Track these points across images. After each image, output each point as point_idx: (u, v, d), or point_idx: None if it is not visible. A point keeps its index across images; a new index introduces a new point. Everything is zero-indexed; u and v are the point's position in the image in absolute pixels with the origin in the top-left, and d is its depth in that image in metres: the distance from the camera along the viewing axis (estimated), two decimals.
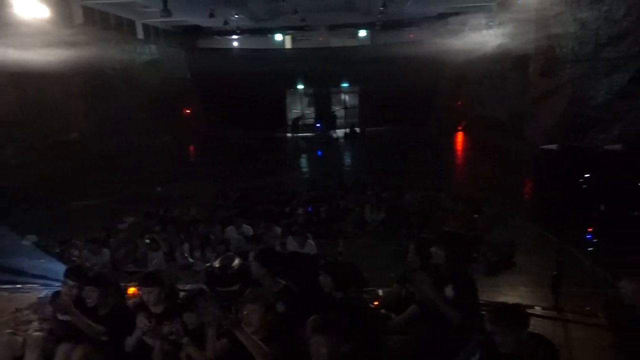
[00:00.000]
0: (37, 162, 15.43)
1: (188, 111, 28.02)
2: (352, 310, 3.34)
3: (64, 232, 8.55)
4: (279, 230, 8.90)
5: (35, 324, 3.95)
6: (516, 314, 2.79)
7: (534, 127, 14.32)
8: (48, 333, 3.69)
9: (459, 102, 26.03)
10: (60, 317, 3.67)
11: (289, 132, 27.69)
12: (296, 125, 27.83)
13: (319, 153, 21.98)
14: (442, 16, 24.38)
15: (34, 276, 5.36)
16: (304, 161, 20.68)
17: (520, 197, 12.08)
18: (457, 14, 23.13)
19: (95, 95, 19.27)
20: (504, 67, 18.62)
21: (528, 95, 15.31)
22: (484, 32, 20.26)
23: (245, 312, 3.05)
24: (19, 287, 5.29)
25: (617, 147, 4.58)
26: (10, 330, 3.84)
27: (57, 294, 3.77)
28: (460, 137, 24.36)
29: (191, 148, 25.00)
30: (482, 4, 20.78)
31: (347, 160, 21.24)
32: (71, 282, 3.60)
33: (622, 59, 9.95)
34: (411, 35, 27.61)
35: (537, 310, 4.33)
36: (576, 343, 3.84)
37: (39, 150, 15.75)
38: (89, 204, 12.45)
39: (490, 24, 19.77)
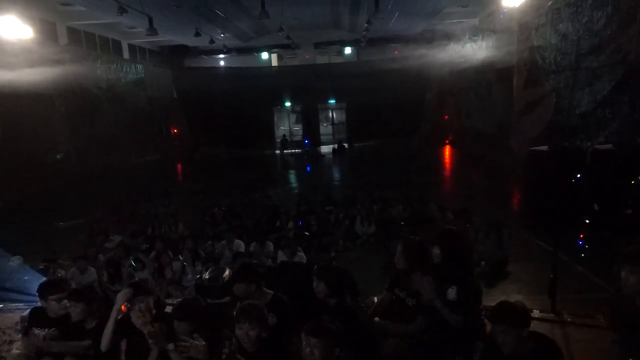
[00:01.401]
0: (21, 183, 15.19)
1: (175, 130, 27.91)
2: (348, 316, 3.25)
3: (50, 252, 8.33)
4: (271, 245, 8.78)
5: (18, 344, 3.78)
6: (517, 311, 2.73)
7: (520, 138, 14.50)
8: (30, 351, 3.54)
9: (446, 116, 26.36)
10: (38, 332, 3.52)
11: (277, 149, 27.67)
12: (284, 142, 27.83)
13: (308, 169, 21.95)
14: (426, 32, 24.88)
15: (18, 294, 5.18)
16: (292, 177, 20.62)
17: (509, 206, 12.19)
18: (440, 30, 23.64)
19: (81, 114, 19.11)
20: (489, 79, 18.93)
21: (513, 107, 15.53)
22: (468, 46, 20.66)
23: (240, 331, 2.92)
24: (1, 307, 5.11)
25: (607, 146, 4.58)
26: None
27: (37, 309, 3.62)
28: (447, 150, 24.55)
29: (178, 167, 24.79)
30: (464, 20, 21.21)
31: (336, 175, 21.22)
32: (53, 297, 3.46)
33: (603, 68, 10.14)
34: (396, 52, 28.00)
35: (536, 313, 4.27)
36: (576, 344, 3.78)
37: (24, 171, 15.49)
38: (75, 224, 12.22)
39: (474, 38, 20.15)
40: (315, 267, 3.63)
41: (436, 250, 3.48)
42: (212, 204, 12.27)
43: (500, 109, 17.68)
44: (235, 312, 2.95)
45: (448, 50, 22.43)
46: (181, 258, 8.47)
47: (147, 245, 9.46)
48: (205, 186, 16.80)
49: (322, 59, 29.81)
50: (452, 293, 3.38)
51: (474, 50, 19.84)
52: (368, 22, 21.79)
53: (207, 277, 4.20)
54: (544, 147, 4.39)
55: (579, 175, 4.13)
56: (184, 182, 20.91)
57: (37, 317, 3.63)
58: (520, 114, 14.62)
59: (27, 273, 6.52)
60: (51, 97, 17.33)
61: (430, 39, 24.41)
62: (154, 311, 3.21)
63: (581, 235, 6.08)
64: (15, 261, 7.45)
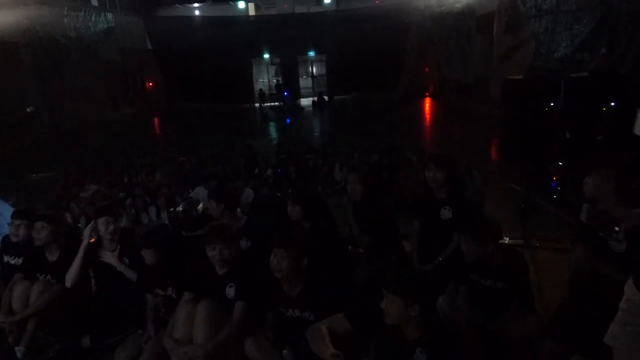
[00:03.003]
0: None
1: (150, 83, 27.11)
2: (322, 238, 3.28)
3: (24, 202, 8.17)
4: (251, 192, 8.76)
5: None
6: (486, 225, 2.80)
7: (499, 85, 14.49)
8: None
9: (426, 68, 26.10)
10: (7, 259, 3.49)
11: (257, 102, 27.23)
12: (263, 95, 27.39)
13: (287, 121, 21.72)
14: None
15: None
16: (272, 129, 20.41)
17: (487, 154, 12.34)
18: None
19: (49, 66, 18.32)
20: (469, 27, 18.66)
21: (494, 54, 15.41)
22: None
23: (211, 251, 2.91)
24: None
25: (582, 74, 4.59)
26: None
27: (7, 237, 3.57)
28: (428, 102, 24.49)
29: (155, 121, 24.27)
30: None
31: (316, 126, 21.08)
32: (18, 221, 3.40)
33: (583, 10, 10.06)
34: (377, 1, 27.32)
35: (505, 239, 4.38)
36: (543, 263, 3.91)
37: None
38: (49, 175, 11.97)
39: None
40: (290, 191, 3.62)
41: (437, 175, 3.44)
42: (190, 156, 12.13)
43: (480, 58, 17.56)
44: (205, 233, 2.93)
45: None
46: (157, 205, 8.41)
47: (124, 194, 9.36)
48: (183, 139, 16.54)
49: (301, 9, 28.95)
50: (446, 213, 3.43)
51: None
52: None
53: (180, 209, 4.17)
54: (519, 76, 4.37)
55: (552, 103, 4.14)
56: (161, 136, 20.53)
57: (6, 245, 3.58)
58: (500, 60, 14.54)
59: None
60: (17, 46, 16.53)
61: None
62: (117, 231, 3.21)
63: (554, 178, 6.21)
64: None
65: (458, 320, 2.77)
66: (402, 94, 25.13)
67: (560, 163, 5.04)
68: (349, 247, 4.06)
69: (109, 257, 3.34)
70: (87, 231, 3.32)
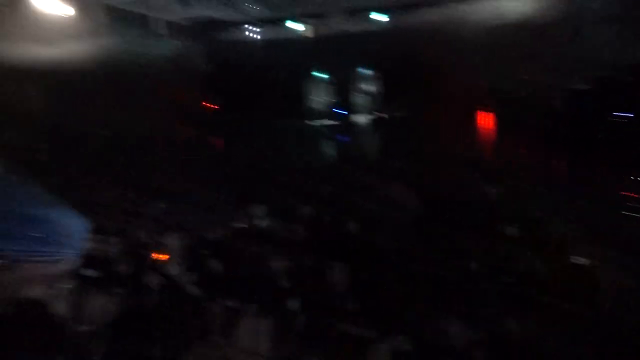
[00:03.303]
0: (65, 159, 15.83)
1: (210, 105, 28.25)
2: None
3: None
4: (307, 211, 8.90)
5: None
6: (555, 240, 2.70)
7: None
8: (77, 287, 3.78)
9: (480, 82, 25.46)
10: (86, 272, 3.75)
11: (311, 120, 27.64)
12: (318, 113, 27.77)
13: (342, 138, 21.86)
14: None
15: None
16: (327, 147, 20.62)
17: (547, 168, 11.81)
18: None
19: (120, 90, 19.60)
20: (527, 38, 18.11)
21: (553, 66, 14.83)
22: (505, 6, 19.74)
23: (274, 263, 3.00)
24: (54, 259, 5.44)
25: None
26: (39, 286, 3.93)
27: (84, 252, 3.84)
28: (481, 115, 23.83)
29: (213, 139, 25.22)
30: None
31: (370, 143, 21.08)
32: (95, 237, 3.67)
33: None
34: (432, 17, 27.05)
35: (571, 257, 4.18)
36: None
37: (68, 148, 16.15)
38: (120, 194, 12.72)
39: None
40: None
41: (491, 188, 3.39)
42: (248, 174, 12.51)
43: (540, 70, 16.96)
44: (266, 246, 3.03)
45: (483, 12, 21.52)
46: None
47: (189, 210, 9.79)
48: (242, 159, 17.05)
49: (354, 28, 29.21)
50: (509, 229, 3.34)
51: (511, 9, 18.95)
52: None
53: (240, 225, 4.32)
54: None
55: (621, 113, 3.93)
56: (220, 154, 21.28)
57: (85, 259, 3.86)
58: (560, 69, 13.97)
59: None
60: (92, 73, 17.86)
61: (464, 1, 23.41)
62: None
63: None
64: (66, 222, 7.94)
65: None
66: (458, 109, 24.62)
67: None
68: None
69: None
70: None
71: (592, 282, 2.45)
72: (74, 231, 7.52)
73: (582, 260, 3.60)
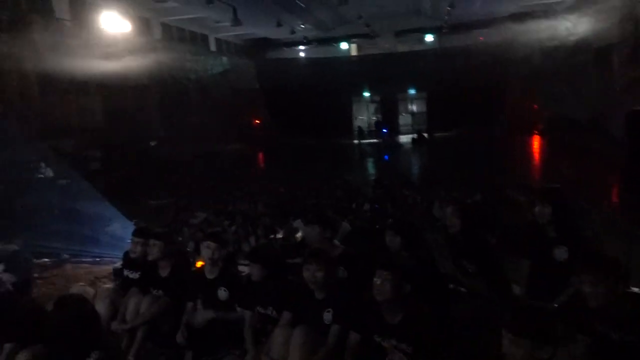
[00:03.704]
0: (120, 167, 16.50)
1: (257, 120, 28.86)
2: (421, 270, 3.16)
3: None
4: (347, 226, 8.79)
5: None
6: (611, 262, 2.47)
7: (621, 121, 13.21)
8: (118, 287, 3.86)
9: (535, 105, 24.69)
10: (127, 273, 3.82)
11: (356, 139, 27.65)
12: (362, 132, 27.77)
13: (386, 157, 21.71)
14: (515, 16, 23.36)
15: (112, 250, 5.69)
16: (370, 165, 20.51)
17: (606, 195, 11.15)
18: (531, 12, 22.08)
19: (172, 104, 20.38)
20: (585, 61, 17.44)
21: (612, 88, 14.18)
22: (561, 26, 19.15)
23: (307, 272, 2.94)
24: (98, 260, 5.63)
25: None
26: (82, 284, 4.05)
27: (126, 253, 3.93)
28: (536, 140, 23.03)
29: (260, 155, 25.65)
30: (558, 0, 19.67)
31: (414, 163, 20.79)
32: (137, 239, 3.74)
33: None
34: (481, 38, 26.61)
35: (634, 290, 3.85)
36: None
37: (121, 157, 16.84)
38: (165, 202, 13.09)
39: (568, 16, 18.63)
40: (390, 220, 3.58)
41: (544, 209, 3.20)
42: (290, 188, 12.58)
43: (597, 93, 16.25)
44: (304, 256, 2.98)
45: (538, 32, 20.93)
46: (257, 234, 8.75)
47: (229, 222, 9.92)
48: (285, 173, 17.22)
49: (402, 48, 29.21)
50: (561, 253, 3.16)
51: (568, 30, 18.35)
52: (451, 5, 21.01)
53: (280, 236, 4.28)
54: None
55: None
56: (265, 169, 21.58)
57: (127, 260, 3.94)
58: (622, 93, 13.32)
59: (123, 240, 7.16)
60: (146, 87, 18.67)
61: (518, 21, 22.90)
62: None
63: None
64: (112, 227, 8.22)
65: None
66: (507, 131, 23.95)
67: None
68: (450, 285, 3.88)
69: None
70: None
71: None
72: (121, 234, 7.85)
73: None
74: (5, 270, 3.68)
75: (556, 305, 3.07)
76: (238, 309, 3.37)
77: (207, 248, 3.39)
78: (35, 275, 5.50)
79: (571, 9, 18.63)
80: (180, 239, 8.05)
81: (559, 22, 19.36)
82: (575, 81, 18.68)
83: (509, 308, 2.14)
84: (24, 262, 3.88)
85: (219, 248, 3.40)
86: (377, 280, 2.59)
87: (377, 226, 7.65)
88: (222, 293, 3.42)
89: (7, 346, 3.08)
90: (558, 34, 19.46)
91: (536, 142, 22.74)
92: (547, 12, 20.47)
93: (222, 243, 3.44)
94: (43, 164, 13.19)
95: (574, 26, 17.67)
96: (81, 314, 2.51)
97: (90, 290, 3.83)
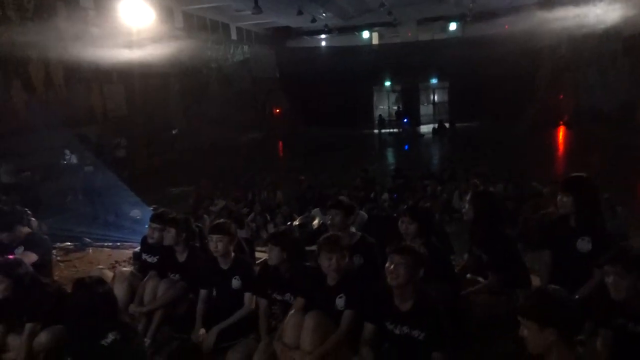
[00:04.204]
0: (142, 155, 16.75)
1: (277, 110, 28.90)
2: (435, 256, 3.13)
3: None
4: (365, 215, 8.75)
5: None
6: (637, 257, 2.39)
7: None
8: (136, 270, 3.92)
9: (561, 95, 24.08)
10: (145, 257, 3.87)
11: (376, 129, 27.48)
12: (383, 121, 27.55)
13: (406, 147, 21.52)
14: (542, 4, 22.74)
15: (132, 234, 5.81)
16: (390, 154, 20.36)
17: (634, 189, 10.83)
18: (558, 0, 21.46)
19: (192, 93, 20.53)
20: (614, 50, 16.90)
21: None
22: (591, 13, 18.55)
23: (322, 260, 2.93)
24: (119, 244, 5.74)
25: None
26: (101, 266, 4.12)
27: (144, 238, 3.97)
28: (561, 131, 22.48)
29: (279, 144, 25.70)
30: None
31: (435, 153, 20.54)
32: (154, 225, 3.78)
33: None
34: (506, 27, 26.00)
35: None
36: None
37: (144, 144, 17.09)
38: (186, 190, 13.23)
39: (598, 3, 18.03)
40: (406, 207, 3.54)
41: (564, 199, 3.14)
42: (309, 177, 12.57)
43: (627, 83, 15.74)
44: (319, 243, 2.96)
45: (566, 20, 20.32)
46: (276, 222, 8.79)
47: (248, 210, 9.98)
48: (304, 162, 17.22)
49: (425, 36, 28.82)
50: (584, 244, 3.08)
51: (598, 18, 17.76)
52: None
53: (297, 223, 4.28)
54: None
55: None
56: (284, 158, 21.64)
57: (145, 245, 3.99)
58: None
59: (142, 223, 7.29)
60: (168, 76, 18.83)
61: (545, 8, 22.26)
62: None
63: None
64: (135, 213, 8.38)
65: None
66: (531, 122, 23.45)
67: None
68: (468, 275, 3.83)
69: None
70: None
71: None
72: (142, 219, 8.01)
73: None
74: (24, 251, 3.76)
75: (578, 297, 3.00)
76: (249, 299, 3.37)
77: (211, 241, 3.39)
78: (58, 258, 5.64)
79: None
80: (199, 225, 8.12)
81: (588, 10, 18.75)
82: (604, 71, 18.14)
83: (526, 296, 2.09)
84: (41, 242, 3.95)
85: (222, 240, 3.38)
86: (389, 265, 2.58)
87: (395, 215, 7.62)
88: (236, 282, 3.43)
89: (28, 326, 3.17)
90: (587, 22, 18.86)
91: (561, 134, 22.22)
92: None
93: (227, 235, 3.42)
94: (67, 151, 13.49)
95: (604, 13, 17.09)
96: (98, 295, 2.55)
97: (109, 273, 3.90)
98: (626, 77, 15.77)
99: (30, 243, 3.87)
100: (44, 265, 3.84)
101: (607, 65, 17.81)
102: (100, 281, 2.73)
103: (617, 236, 7.31)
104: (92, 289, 2.56)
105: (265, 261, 3.54)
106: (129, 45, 15.72)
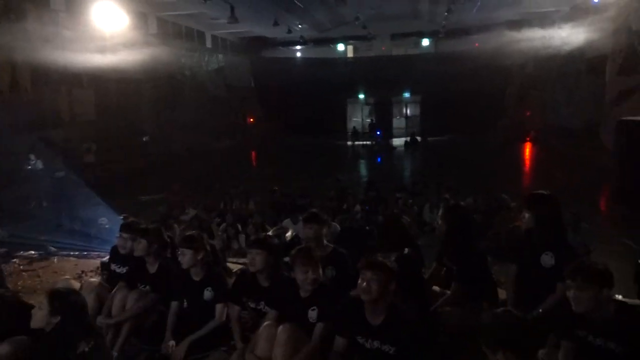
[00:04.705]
0: (111, 161, 16.38)
1: (251, 119, 28.81)
2: (407, 267, 3.18)
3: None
4: (337, 227, 8.78)
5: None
6: (597, 269, 2.49)
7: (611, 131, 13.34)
8: (104, 281, 3.83)
9: (528, 112, 24.88)
10: (114, 267, 3.79)
11: (349, 140, 27.70)
12: (356, 133, 27.80)
13: (378, 159, 21.75)
14: (511, 23, 23.55)
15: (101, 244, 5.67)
16: (363, 166, 20.53)
17: (596, 205, 11.23)
18: (526, 20, 22.29)
19: (165, 99, 20.27)
20: (578, 70, 17.63)
21: (605, 98, 14.34)
22: (556, 35, 19.34)
23: (297, 274, 2.94)
24: (85, 254, 5.59)
25: None
26: (68, 277, 4.01)
27: (115, 247, 3.90)
28: (528, 147, 23.19)
29: (252, 153, 25.58)
30: (553, 9, 19.84)
31: (407, 166, 20.84)
32: (124, 235, 3.72)
33: None
34: (477, 44, 26.78)
35: (619, 297, 3.88)
36: None
37: (114, 150, 16.73)
38: (156, 198, 13.00)
39: (563, 26, 18.82)
40: (380, 218, 3.61)
41: (526, 215, 3.28)
42: (281, 187, 12.53)
43: (590, 102, 16.41)
44: (292, 256, 2.97)
45: (533, 40, 21.12)
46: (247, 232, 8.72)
47: (219, 219, 9.87)
48: (277, 172, 17.17)
49: (398, 51, 29.34)
50: (547, 259, 3.18)
51: (562, 40, 18.52)
52: (448, 11, 21.12)
53: (270, 234, 4.27)
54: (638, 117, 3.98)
55: None
56: (257, 167, 21.54)
57: (114, 255, 3.91)
58: (613, 104, 13.46)
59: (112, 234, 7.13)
60: (140, 82, 18.55)
61: (514, 29, 23.08)
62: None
63: None
64: (102, 221, 8.18)
65: None
66: (500, 137, 24.12)
67: None
68: (436, 288, 3.90)
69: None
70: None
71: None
72: (110, 228, 7.81)
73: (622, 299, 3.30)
74: None
75: (540, 310, 3.10)
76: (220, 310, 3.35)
77: (182, 255, 3.36)
78: (22, 267, 5.46)
79: (566, 19, 18.82)
80: (169, 235, 7.98)
81: (554, 31, 19.55)
82: (569, 90, 18.87)
83: (488, 317, 2.15)
84: None
85: (194, 255, 3.36)
86: (361, 282, 2.59)
87: (367, 227, 7.69)
88: (208, 293, 3.41)
89: None
90: (552, 43, 19.64)
91: (529, 149, 22.90)
92: (542, 20, 20.68)
93: (196, 249, 3.39)
94: (32, 156, 13.08)
95: (568, 36, 17.84)
96: (73, 305, 2.51)
97: (75, 284, 3.80)
98: (590, 96, 16.43)
99: None
100: None
101: (572, 84, 18.54)
102: (74, 291, 2.69)
103: (580, 251, 7.61)
104: (68, 299, 2.53)
105: (243, 268, 3.52)
106: (101, 49, 15.44)
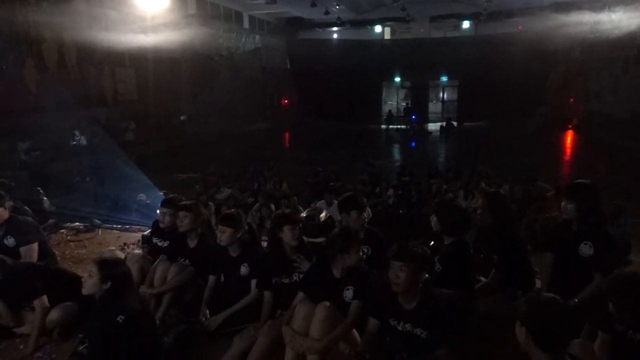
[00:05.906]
0: (150, 140, 16.85)
1: (286, 101, 28.90)
2: (460, 256, 3.22)
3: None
4: (369, 211, 8.81)
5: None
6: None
7: None
8: (147, 253, 4.01)
9: (571, 99, 23.96)
10: (156, 241, 3.96)
11: (384, 124, 27.45)
12: (391, 117, 27.51)
13: (412, 144, 21.51)
14: (558, 6, 22.56)
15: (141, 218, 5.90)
16: (396, 151, 20.37)
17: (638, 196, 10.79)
18: (575, 3, 21.28)
19: (202, 80, 20.58)
20: (627, 57, 16.81)
21: None
22: (605, 19, 18.43)
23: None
24: (128, 227, 5.85)
25: None
26: (113, 247, 4.22)
27: (155, 222, 4.06)
28: (569, 135, 22.41)
29: (286, 135, 25.73)
30: None
31: (442, 151, 20.53)
32: (165, 209, 3.86)
33: None
34: (520, 27, 25.83)
35: None
36: None
37: (153, 130, 17.19)
38: (192, 176, 13.33)
39: (614, 9, 17.91)
40: (435, 202, 3.64)
41: (568, 205, 3.23)
42: (315, 169, 12.62)
43: (638, 91, 15.67)
44: (332, 237, 3.02)
45: (580, 25, 20.19)
46: None
47: (253, 199, 10.06)
48: (310, 155, 17.26)
49: (437, 33, 28.69)
50: (586, 249, 3.15)
51: (612, 24, 17.65)
52: None
53: (304, 215, 4.32)
54: None
55: None
56: (290, 149, 21.69)
57: (156, 229, 4.07)
58: None
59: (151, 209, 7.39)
60: (179, 62, 18.88)
61: (561, 11, 22.09)
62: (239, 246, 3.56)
63: None
64: (142, 197, 8.49)
65: None
66: (539, 124, 23.37)
67: None
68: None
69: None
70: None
71: None
72: (149, 203, 8.12)
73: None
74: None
75: (577, 300, 3.07)
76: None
77: (222, 232, 3.46)
78: (69, 237, 5.75)
79: (619, 2, 17.87)
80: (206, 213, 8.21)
81: (604, 15, 18.63)
82: (616, 77, 18.04)
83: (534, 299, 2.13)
84: (24, 228, 3.88)
85: (233, 233, 3.46)
86: (391, 272, 2.60)
87: (400, 211, 7.69)
88: (244, 269, 3.52)
89: (37, 302, 3.28)
90: (601, 27, 18.74)
91: (569, 137, 22.14)
92: (592, 3, 19.71)
93: (236, 227, 3.49)
94: (77, 132, 13.60)
95: (619, 20, 16.97)
96: (121, 274, 2.65)
97: (120, 255, 3.99)
98: (638, 84, 15.69)
99: (11, 228, 3.86)
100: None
101: (620, 71, 17.72)
102: (121, 260, 2.84)
103: (620, 244, 7.39)
104: (116, 267, 2.67)
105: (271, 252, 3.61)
106: (143, 29, 15.78)
